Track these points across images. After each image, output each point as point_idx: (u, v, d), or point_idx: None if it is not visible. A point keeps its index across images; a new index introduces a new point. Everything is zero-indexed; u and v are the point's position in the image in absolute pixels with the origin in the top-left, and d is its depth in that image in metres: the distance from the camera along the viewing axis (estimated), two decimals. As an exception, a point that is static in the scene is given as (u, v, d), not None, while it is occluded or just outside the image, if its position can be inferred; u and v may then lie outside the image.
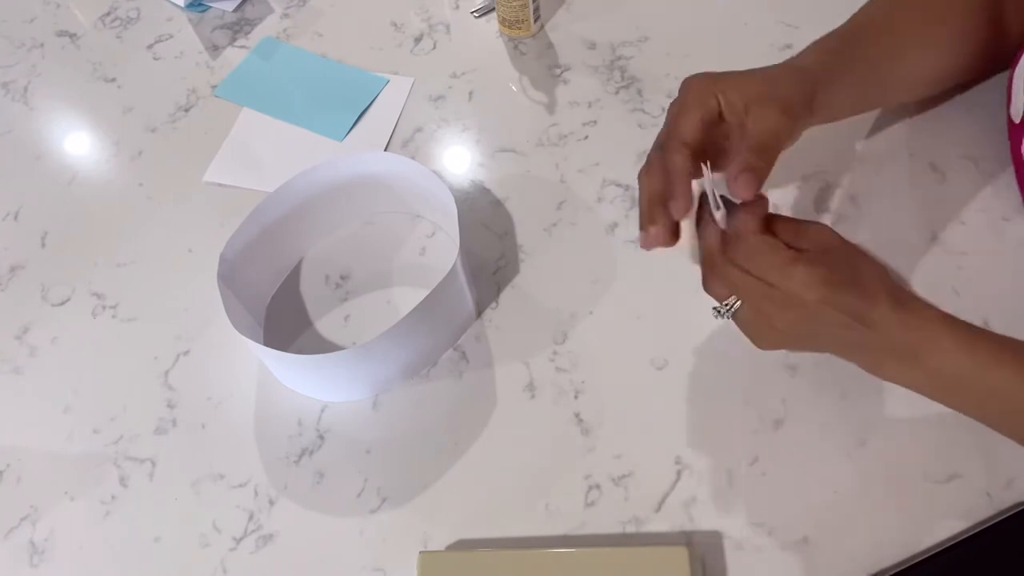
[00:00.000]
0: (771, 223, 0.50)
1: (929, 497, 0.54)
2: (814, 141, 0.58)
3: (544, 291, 0.65)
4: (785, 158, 0.64)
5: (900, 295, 0.47)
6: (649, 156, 0.53)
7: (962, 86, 0.69)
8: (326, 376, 0.59)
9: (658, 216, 0.50)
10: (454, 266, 0.56)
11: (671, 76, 0.75)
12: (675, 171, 0.50)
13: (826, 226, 0.49)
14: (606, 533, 0.55)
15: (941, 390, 0.48)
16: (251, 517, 0.58)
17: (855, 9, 0.77)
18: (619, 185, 0.69)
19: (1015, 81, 0.61)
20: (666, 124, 0.53)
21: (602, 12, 0.80)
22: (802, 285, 0.46)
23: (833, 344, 0.49)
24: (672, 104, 0.54)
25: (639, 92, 0.75)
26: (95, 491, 0.60)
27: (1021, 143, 0.63)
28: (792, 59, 0.57)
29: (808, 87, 0.53)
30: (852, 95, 0.59)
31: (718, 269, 0.49)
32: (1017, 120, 0.62)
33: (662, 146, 0.52)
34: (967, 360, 0.46)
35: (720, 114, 0.52)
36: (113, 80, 0.81)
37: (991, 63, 0.65)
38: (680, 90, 0.54)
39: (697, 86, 0.52)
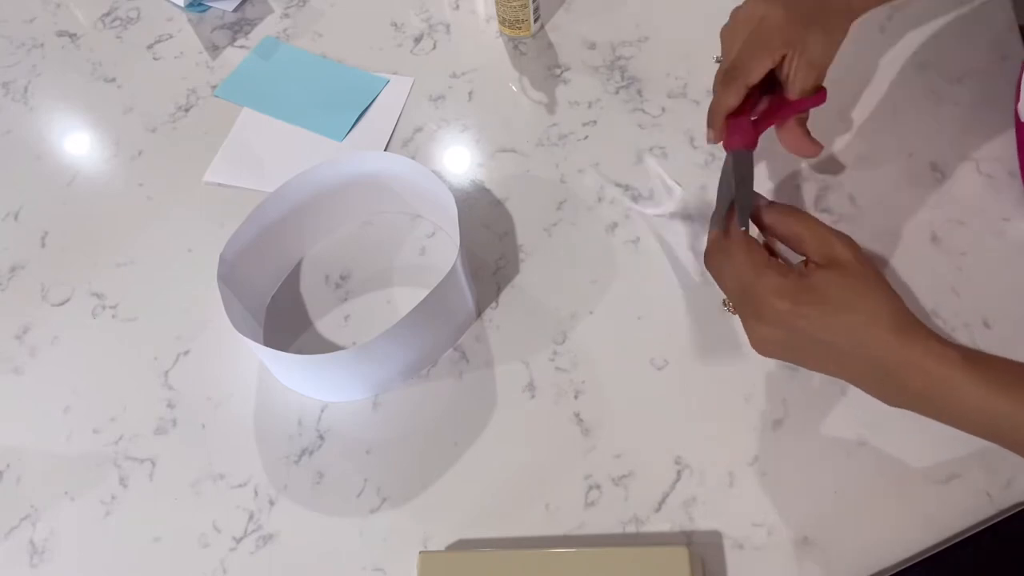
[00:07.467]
0: (795, 222, 0.49)
1: (929, 497, 0.54)
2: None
3: (544, 291, 0.65)
4: (785, 157, 0.64)
5: (907, 324, 0.45)
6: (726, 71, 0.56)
7: (962, 85, 0.69)
8: (326, 376, 0.59)
9: (717, 123, 0.56)
10: (454, 266, 0.56)
11: (671, 76, 0.75)
12: (718, 109, 0.55)
13: (851, 246, 0.47)
14: (606, 533, 0.55)
15: (948, 418, 0.46)
16: (251, 517, 0.58)
17: (853, 7, 0.77)
18: (619, 185, 0.69)
19: None
20: (737, 58, 0.55)
21: (602, 12, 0.80)
22: (772, 292, 0.46)
23: (833, 365, 0.48)
24: (741, 34, 0.56)
25: (639, 92, 0.74)
26: (95, 491, 0.60)
27: None
28: None
29: (848, 23, 0.57)
30: None
31: (713, 259, 0.51)
32: None
33: (727, 75, 0.55)
34: (976, 393, 0.44)
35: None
36: (113, 80, 0.81)
37: None
38: (757, 28, 0.55)
39: (774, 32, 0.54)
